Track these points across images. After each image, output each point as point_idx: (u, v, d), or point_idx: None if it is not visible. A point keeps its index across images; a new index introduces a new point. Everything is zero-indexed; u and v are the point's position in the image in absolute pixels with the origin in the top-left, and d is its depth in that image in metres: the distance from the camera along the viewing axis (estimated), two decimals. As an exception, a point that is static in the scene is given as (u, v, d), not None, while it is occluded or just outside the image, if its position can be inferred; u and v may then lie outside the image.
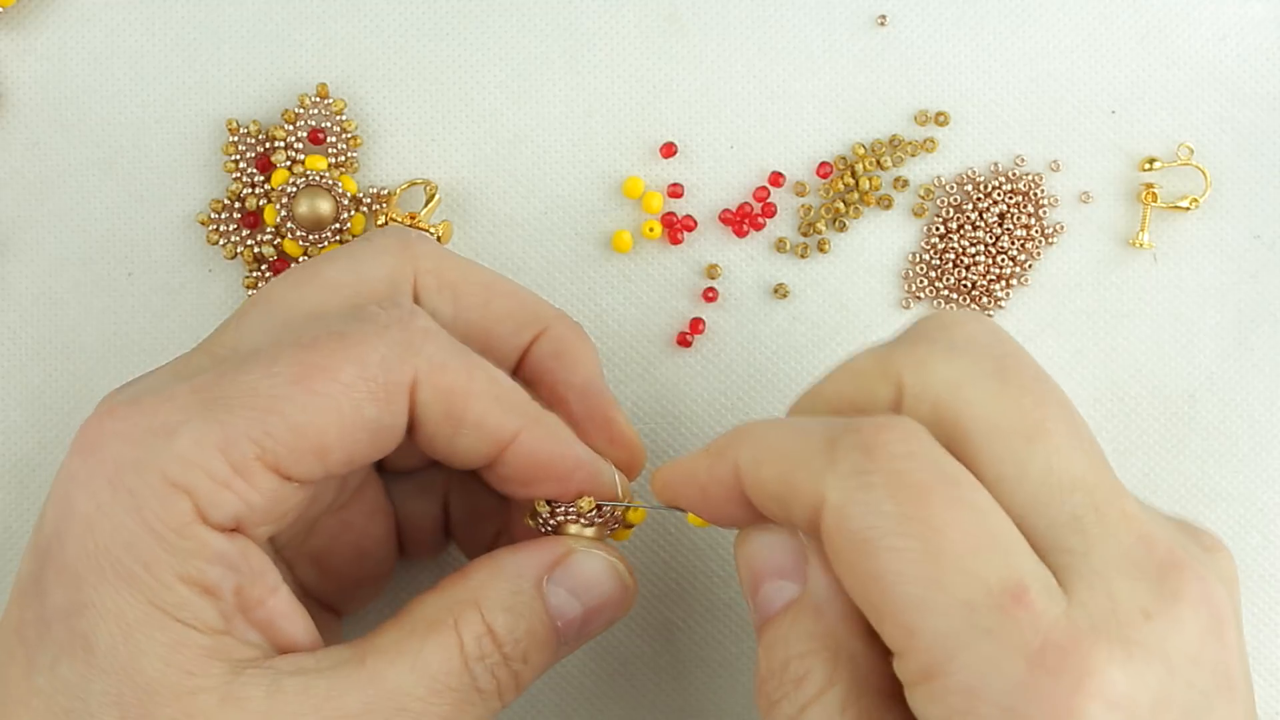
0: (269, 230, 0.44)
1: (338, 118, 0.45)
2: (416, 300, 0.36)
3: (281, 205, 0.43)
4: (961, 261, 0.45)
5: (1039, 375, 0.30)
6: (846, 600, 0.30)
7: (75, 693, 0.31)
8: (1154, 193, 0.45)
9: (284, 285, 0.35)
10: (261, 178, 0.44)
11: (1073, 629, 0.26)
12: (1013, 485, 0.28)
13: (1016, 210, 0.45)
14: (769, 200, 0.45)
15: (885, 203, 0.45)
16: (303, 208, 0.43)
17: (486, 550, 0.36)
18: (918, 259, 0.45)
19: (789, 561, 0.31)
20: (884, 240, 0.45)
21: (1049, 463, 0.28)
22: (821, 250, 0.45)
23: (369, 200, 0.44)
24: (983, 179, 0.45)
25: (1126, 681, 0.26)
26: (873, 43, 0.46)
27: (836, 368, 0.33)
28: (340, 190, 0.43)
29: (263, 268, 0.44)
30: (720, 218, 0.45)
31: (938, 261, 0.45)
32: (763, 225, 0.45)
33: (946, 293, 0.45)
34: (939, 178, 0.45)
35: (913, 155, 0.45)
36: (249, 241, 0.44)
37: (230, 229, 0.44)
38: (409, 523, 0.40)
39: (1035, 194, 0.45)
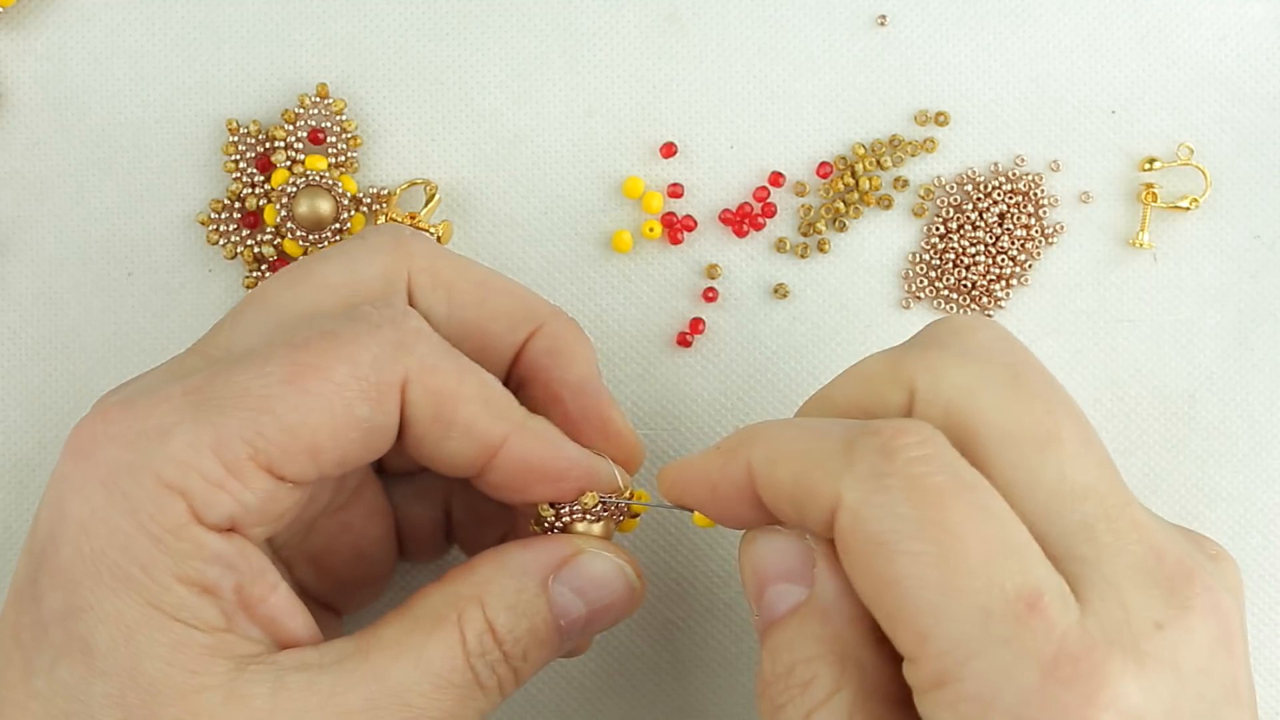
0: (269, 230, 0.44)
1: (338, 118, 0.44)
2: (411, 298, 0.36)
3: (281, 205, 0.43)
4: (961, 261, 0.45)
5: (1051, 383, 0.30)
6: (854, 604, 0.30)
7: (75, 695, 0.31)
8: (1154, 193, 0.45)
9: (278, 285, 0.35)
10: (261, 178, 0.44)
11: (1086, 639, 0.26)
12: (1024, 492, 0.28)
13: (1016, 210, 0.45)
14: (769, 200, 0.45)
15: (885, 203, 0.45)
16: (303, 208, 0.43)
17: None
18: (918, 259, 0.45)
19: (796, 564, 0.31)
20: (884, 240, 0.45)
21: (1061, 470, 0.28)
22: (821, 250, 0.45)
23: (369, 200, 0.44)
24: (983, 179, 0.45)
25: (1139, 693, 0.26)
26: (873, 43, 0.46)
27: (846, 371, 0.32)
28: (340, 190, 0.43)
29: (263, 268, 0.44)
30: (720, 218, 0.45)
31: (938, 261, 0.45)
32: (763, 225, 0.45)
33: (946, 293, 0.45)
34: (939, 178, 0.45)
35: (913, 155, 0.45)
36: (249, 241, 0.44)
37: (230, 229, 0.44)
38: (410, 525, 0.40)
39: (1035, 194, 0.45)
